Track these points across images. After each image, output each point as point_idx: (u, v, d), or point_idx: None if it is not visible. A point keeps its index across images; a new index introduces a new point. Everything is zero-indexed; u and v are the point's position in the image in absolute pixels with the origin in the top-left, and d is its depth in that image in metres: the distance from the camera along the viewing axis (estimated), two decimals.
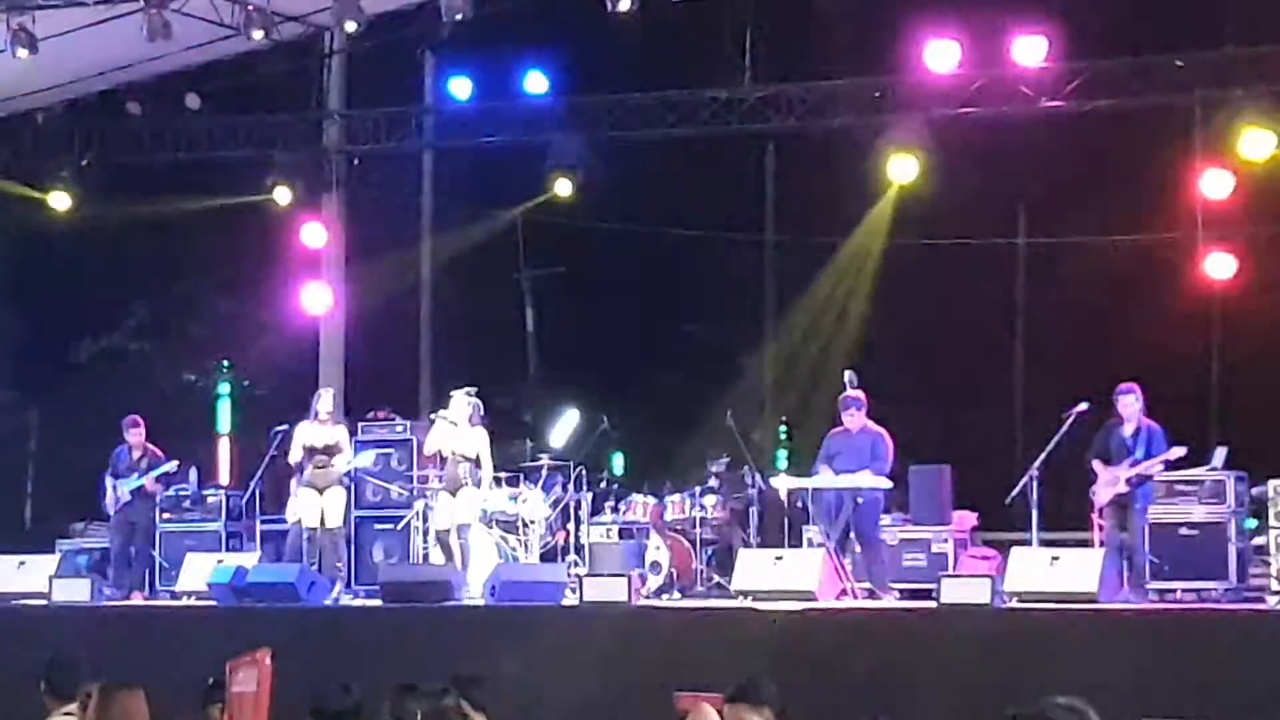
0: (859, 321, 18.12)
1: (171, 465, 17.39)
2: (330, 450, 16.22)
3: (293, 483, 16.88)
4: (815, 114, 17.73)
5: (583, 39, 17.84)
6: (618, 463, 19.31)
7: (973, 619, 13.04)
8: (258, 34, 17.19)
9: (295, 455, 16.30)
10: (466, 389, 16.07)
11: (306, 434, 16.28)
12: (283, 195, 19.31)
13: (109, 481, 17.46)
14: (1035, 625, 12.92)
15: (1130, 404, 14.53)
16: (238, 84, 19.23)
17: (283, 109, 19.80)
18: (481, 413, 16.06)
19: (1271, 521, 14.42)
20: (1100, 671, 11.89)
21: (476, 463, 15.86)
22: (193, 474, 18.54)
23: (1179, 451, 14.38)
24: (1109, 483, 14.49)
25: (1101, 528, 14.55)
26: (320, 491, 16.15)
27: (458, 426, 15.93)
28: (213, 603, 15.67)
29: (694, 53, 18.09)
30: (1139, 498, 14.48)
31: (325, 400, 16.49)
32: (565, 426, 19.61)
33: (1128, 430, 14.58)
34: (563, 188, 18.67)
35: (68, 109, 19.94)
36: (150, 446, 17.46)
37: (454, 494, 15.84)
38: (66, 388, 20.83)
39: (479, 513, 16.03)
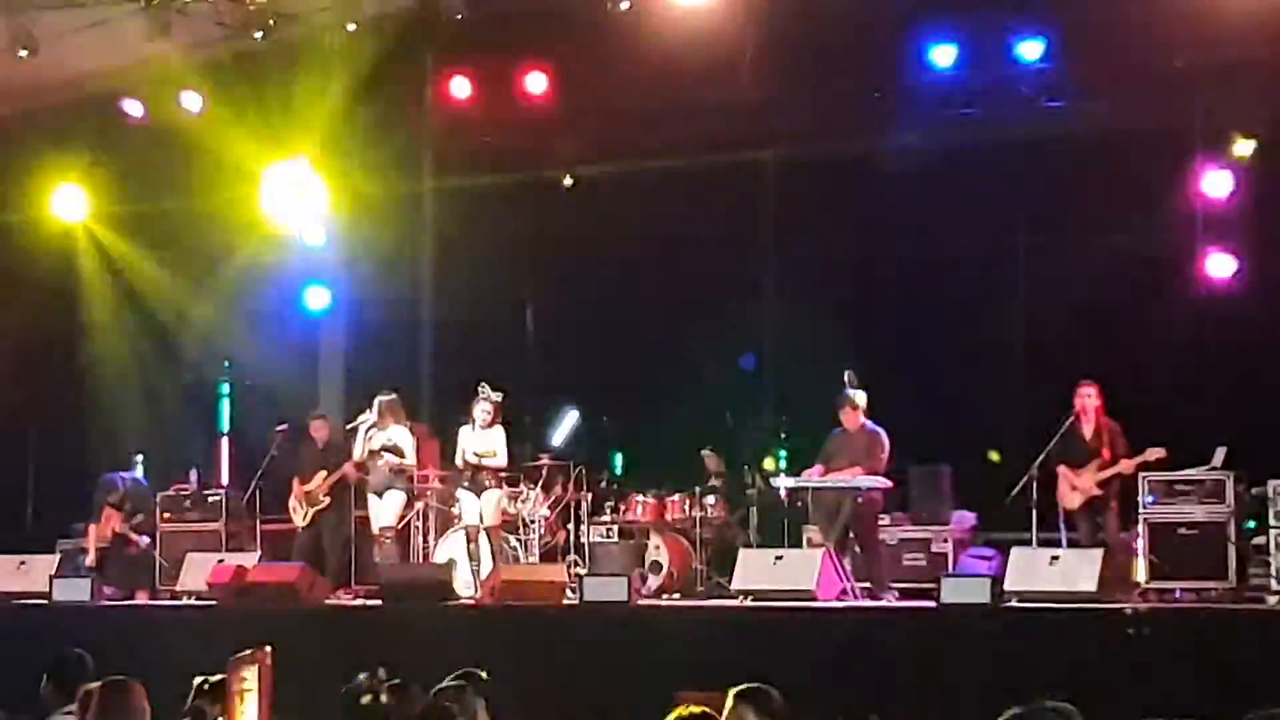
0: (860, 320, 18.09)
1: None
2: (390, 451, 16.25)
3: (294, 484, 16.89)
4: (815, 116, 17.72)
5: (583, 39, 17.82)
6: (618, 463, 19.30)
7: (973, 619, 13.05)
8: (258, 34, 17.19)
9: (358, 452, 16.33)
10: (487, 391, 16.13)
11: (363, 437, 16.31)
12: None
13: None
14: (1035, 625, 12.93)
15: (1091, 399, 14.57)
16: (238, 84, 19.19)
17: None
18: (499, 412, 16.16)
19: (1271, 521, 14.43)
20: (1100, 671, 11.90)
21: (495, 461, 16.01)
22: (193, 474, 18.53)
23: (1158, 452, 14.40)
24: (1079, 488, 14.51)
25: (1072, 530, 14.57)
26: (379, 495, 16.21)
27: (476, 428, 16.01)
28: (213, 603, 15.67)
29: (694, 54, 18.06)
30: (1112, 499, 14.52)
31: (379, 401, 16.43)
32: (565, 426, 19.60)
33: (1088, 432, 14.62)
34: (564, 188, 18.67)
35: (68, 109, 19.92)
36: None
37: (479, 495, 15.92)
38: (67, 388, 20.81)
39: (500, 515, 16.11)
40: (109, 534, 17.49)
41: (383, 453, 16.26)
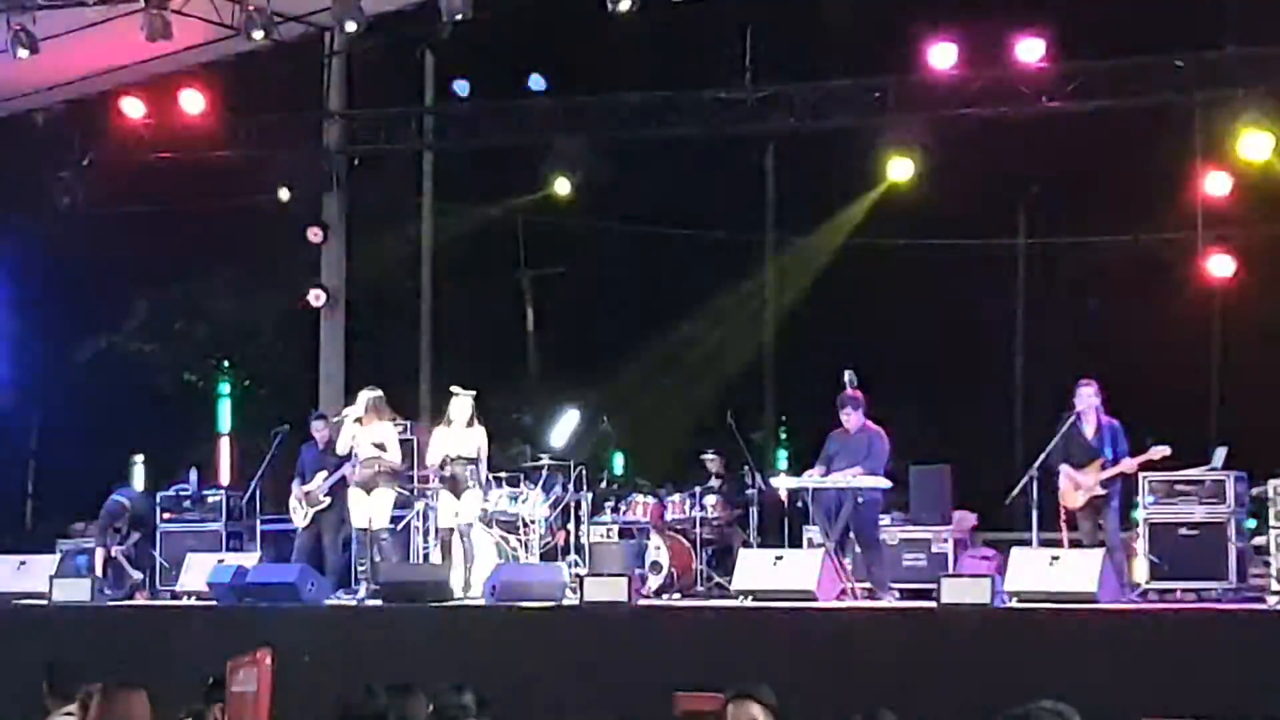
0: (860, 321, 18.12)
1: None
2: (378, 449, 16.13)
3: (294, 484, 16.87)
4: (815, 114, 17.72)
5: (583, 39, 17.84)
6: (618, 463, 19.31)
7: (973, 619, 13.05)
8: (258, 34, 17.19)
9: (343, 448, 16.23)
10: (464, 390, 16.06)
11: (348, 434, 16.21)
12: (283, 195, 19.34)
13: None
14: (1035, 625, 12.92)
15: (1088, 397, 14.54)
16: (237, 84, 19.23)
17: (283, 109, 19.81)
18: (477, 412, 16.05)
19: (1271, 521, 14.42)
20: (1100, 671, 11.89)
21: (477, 463, 15.87)
22: (193, 474, 18.53)
23: (1163, 450, 14.39)
24: (1081, 487, 14.51)
25: (1074, 529, 14.57)
26: (368, 492, 16.12)
27: (454, 427, 15.92)
28: (213, 603, 15.67)
29: (694, 53, 18.09)
30: (1112, 498, 14.53)
31: (366, 398, 16.34)
32: (565, 426, 19.61)
33: (1089, 431, 14.58)
34: (562, 188, 18.69)
35: (68, 109, 19.94)
36: None
37: (458, 495, 15.82)
38: (66, 388, 20.83)
39: (480, 512, 16.03)
40: (106, 556, 17.50)
41: (369, 448, 16.14)
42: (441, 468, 15.96)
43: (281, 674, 8.41)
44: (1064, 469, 14.55)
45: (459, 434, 15.90)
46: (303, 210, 19.71)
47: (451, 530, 15.84)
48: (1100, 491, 14.51)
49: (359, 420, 16.10)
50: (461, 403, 15.92)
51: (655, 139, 18.29)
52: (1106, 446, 14.53)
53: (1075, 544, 14.38)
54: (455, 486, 15.82)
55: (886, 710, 6.50)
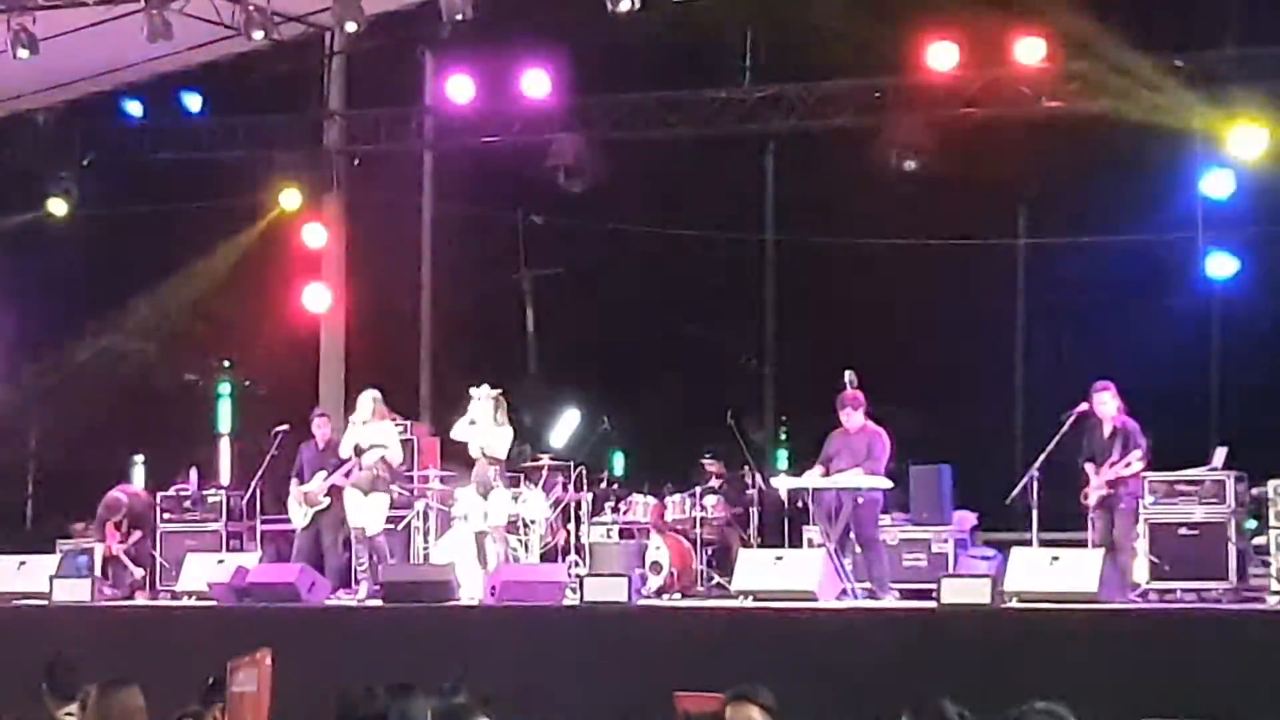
0: (858, 320, 18.10)
1: None
2: (380, 449, 16.13)
3: (293, 484, 16.87)
4: (815, 114, 17.73)
5: (583, 39, 17.83)
6: (618, 463, 19.30)
7: (973, 619, 13.05)
8: (258, 34, 17.20)
9: (346, 450, 16.25)
10: (490, 387, 16.05)
11: (352, 436, 16.24)
12: (284, 196, 19.35)
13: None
14: (1035, 625, 12.93)
15: (1103, 400, 14.57)
16: (238, 84, 19.24)
17: (283, 109, 19.81)
18: (505, 409, 16.04)
19: (1271, 521, 14.42)
20: (1100, 671, 11.90)
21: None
22: (193, 474, 18.52)
23: (1135, 455, 14.41)
24: (1094, 486, 14.56)
25: (1095, 528, 14.60)
26: (365, 494, 16.12)
27: (481, 425, 15.90)
28: (213, 603, 15.67)
29: (694, 53, 18.08)
30: (1122, 498, 14.54)
31: (364, 401, 16.36)
32: (565, 426, 19.61)
33: (1106, 431, 14.64)
34: (559, 187, 18.68)
35: (68, 109, 19.95)
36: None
37: (485, 496, 15.80)
38: (66, 388, 20.82)
39: (507, 515, 16.02)
40: (107, 553, 17.50)
41: (370, 449, 16.16)
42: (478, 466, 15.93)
43: (281, 674, 8.41)
44: (1087, 468, 14.61)
45: (488, 432, 15.86)
46: (303, 210, 19.71)
47: (485, 532, 15.80)
48: (1106, 491, 14.53)
49: (364, 422, 16.13)
50: (485, 400, 15.91)
51: (655, 139, 18.30)
52: (1117, 448, 14.55)
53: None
54: (484, 488, 15.80)
55: (945, 700, 6.51)
